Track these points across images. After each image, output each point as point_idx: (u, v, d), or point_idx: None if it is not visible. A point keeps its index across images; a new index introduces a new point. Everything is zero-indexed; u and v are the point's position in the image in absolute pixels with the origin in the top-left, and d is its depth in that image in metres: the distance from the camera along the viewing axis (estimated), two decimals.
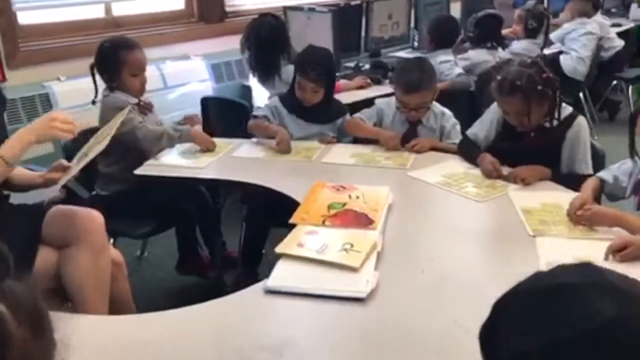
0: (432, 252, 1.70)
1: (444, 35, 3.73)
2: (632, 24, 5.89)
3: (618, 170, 2.00)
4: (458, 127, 2.62)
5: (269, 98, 3.38)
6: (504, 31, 4.28)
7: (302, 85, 2.67)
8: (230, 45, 3.80)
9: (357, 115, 2.73)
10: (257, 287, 1.54)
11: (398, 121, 2.65)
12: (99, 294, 1.92)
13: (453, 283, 1.53)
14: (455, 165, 2.34)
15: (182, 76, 3.73)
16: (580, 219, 1.79)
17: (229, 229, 2.91)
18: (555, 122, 2.19)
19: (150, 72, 3.54)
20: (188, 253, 2.82)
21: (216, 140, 2.73)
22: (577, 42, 4.67)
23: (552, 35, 4.63)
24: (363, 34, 4.34)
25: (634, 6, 6.30)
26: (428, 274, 1.58)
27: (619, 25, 5.64)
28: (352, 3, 4.33)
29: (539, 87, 2.10)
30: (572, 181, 2.11)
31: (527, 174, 2.13)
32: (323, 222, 1.83)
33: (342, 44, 4.06)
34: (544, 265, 1.58)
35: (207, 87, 3.82)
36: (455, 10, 4.88)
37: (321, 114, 2.76)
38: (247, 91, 3.67)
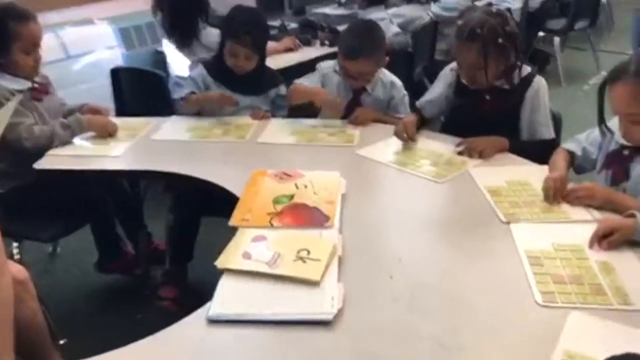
0: (398, 250, 1.47)
1: None
2: None
3: (586, 140, 1.84)
4: (407, 99, 2.40)
5: (190, 65, 3.04)
6: None
7: (234, 52, 2.35)
8: (139, 6, 3.37)
9: (298, 80, 2.43)
10: (197, 317, 1.25)
11: (343, 88, 2.39)
12: None
13: (428, 290, 1.31)
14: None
15: (85, 43, 3.28)
16: (576, 200, 1.62)
17: (155, 218, 2.58)
18: (510, 81, 2.01)
19: (47, 40, 3.09)
20: (108, 249, 2.48)
21: (132, 120, 2.38)
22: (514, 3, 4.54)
23: None
24: None
25: None
26: (398, 279, 1.35)
27: None
28: None
29: (500, 40, 1.92)
30: (535, 149, 1.95)
31: (484, 145, 1.94)
32: (270, 222, 1.56)
33: (264, 2, 3.73)
34: (523, 255, 1.40)
35: (115, 55, 3.39)
36: None
37: (253, 84, 2.45)
38: (161, 58, 3.29)
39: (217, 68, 2.43)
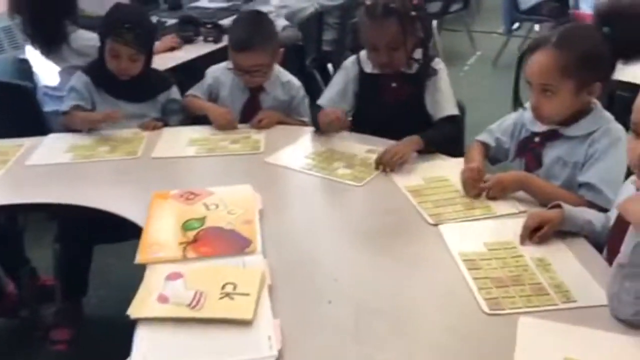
0: (332, 268, 1.35)
1: None
2: None
3: (498, 130, 1.82)
4: (307, 100, 2.27)
5: (60, 73, 2.71)
6: None
7: (116, 53, 2.11)
8: None
9: (189, 93, 2.24)
10: None
11: (237, 89, 2.23)
12: None
13: (373, 313, 1.21)
14: (316, 142, 2.01)
15: None
16: (491, 193, 1.59)
17: (39, 248, 2.28)
18: (415, 65, 1.97)
19: None
20: None
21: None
22: None
23: None
24: None
25: None
26: (338, 303, 1.24)
27: None
28: None
29: (412, 13, 1.88)
30: (444, 132, 1.93)
31: (402, 151, 1.81)
32: (184, 253, 1.38)
33: None
34: (458, 259, 1.34)
35: None
36: None
37: (140, 90, 2.22)
38: (25, 66, 2.91)
39: (98, 74, 2.18)
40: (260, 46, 2.11)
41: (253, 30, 2.13)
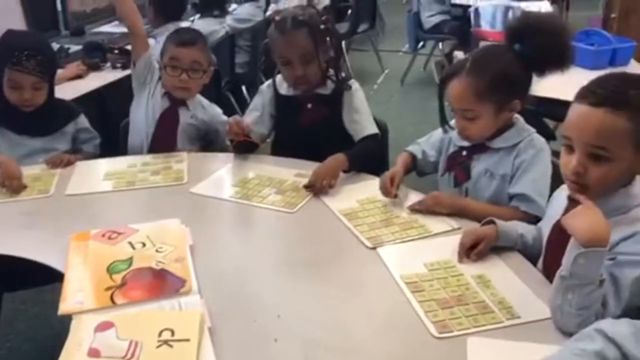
0: (273, 303, 1.29)
1: (170, 4, 3.18)
2: None
3: (426, 144, 1.85)
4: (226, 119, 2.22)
5: None
6: None
7: (17, 83, 1.97)
8: None
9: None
10: None
11: (158, 96, 2.18)
12: None
13: (321, 349, 1.16)
14: (241, 168, 1.94)
15: None
16: (424, 207, 1.61)
17: None
18: (330, 85, 1.99)
19: None
20: None
21: None
22: (292, 2, 4.56)
23: None
24: (59, 8, 3.54)
25: None
26: (284, 340, 1.18)
27: None
28: None
29: (322, 26, 1.90)
30: (366, 149, 1.95)
31: (330, 174, 1.79)
32: (112, 299, 1.27)
33: (33, 24, 3.24)
34: (400, 282, 1.33)
35: None
36: None
37: (44, 122, 2.07)
38: None
39: None
40: (201, 46, 2.13)
41: (196, 33, 2.20)
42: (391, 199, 1.67)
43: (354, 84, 2.03)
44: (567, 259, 1.13)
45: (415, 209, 1.63)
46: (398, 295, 1.31)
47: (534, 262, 1.42)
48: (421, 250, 1.48)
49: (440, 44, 5.18)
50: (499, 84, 1.56)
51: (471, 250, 1.42)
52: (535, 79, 1.60)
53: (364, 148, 1.96)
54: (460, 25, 4.75)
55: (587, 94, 1.21)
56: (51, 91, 2.08)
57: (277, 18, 1.92)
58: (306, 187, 1.76)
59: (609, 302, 1.15)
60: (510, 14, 4.00)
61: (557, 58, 1.54)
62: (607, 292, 1.15)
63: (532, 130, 1.66)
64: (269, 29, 1.96)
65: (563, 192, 1.38)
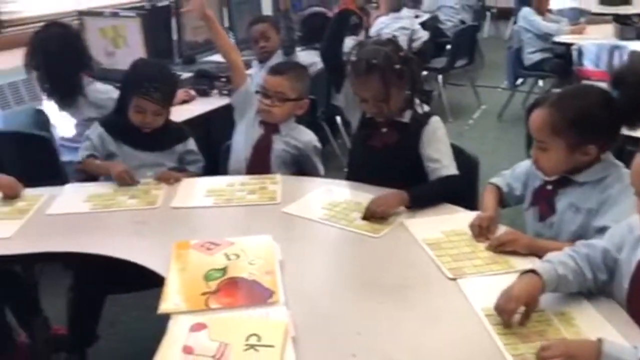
0: (353, 321, 1.35)
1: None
2: (427, 15, 6.16)
3: (511, 176, 1.86)
4: (318, 146, 2.35)
5: (76, 125, 2.77)
6: None
7: (141, 109, 2.17)
8: (14, 61, 3.02)
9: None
10: None
11: (254, 124, 2.32)
12: None
13: None
14: (331, 191, 2.04)
15: None
16: (501, 246, 1.60)
17: (51, 300, 2.27)
18: (410, 114, 2.01)
19: None
20: None
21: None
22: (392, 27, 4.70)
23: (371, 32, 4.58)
24: (175, 38, 3.84)
25: None
26: (362, 357, 1.23)
27: (416, 16, 5.83)
28: (159, 4, 3.80)
29: (397, 66, 1.92)
30: (436, 190, 1.94)
31: (384, 205, 1.82)
32: (206, 304, 1.38)
33: (153, 52, 3.53)
34: (481, 314, 1.34)
35: None
36: (267, 8, 4.58)
37: (157, 141, 2.27)
38: (42, 117, 2.97)
39: (117, 125, 2.24)
40: (290, 77, 2.25)
41: (292, 65, 2.39)
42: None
43: (437, 121, 2.03)
44: None
45: (492, 248, 1.62)
46: (477, 326, 1.32)
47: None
48: (503, 284, 1.46)
49: (540, 81, 5.09)
50: (578, 124, 1.55)
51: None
52: None
53: (435, 189, 1.94)
54: (562, 64, 4.66)
55: None
56: (167, 114, 2.28)
57: (352, 58, 1.96)
58: (365, 215, 1.80)
59: None
60: (616, 55, 3.89)
61: None
62: None
63: (621, 165, 1.62)
64: (347, 66, 2.03)
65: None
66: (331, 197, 1.98)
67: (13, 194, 2.01)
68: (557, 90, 1.68)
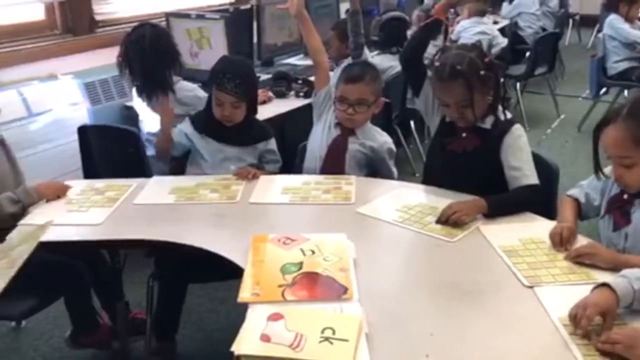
0: (426, 322, 1.36)
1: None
2: (506, 21, 6.03)
3: (589, 187, 1.81)
4: (393, 149, 2.36)
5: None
6: None
7: (220, 101, 2.27)
8: (105, 60, 3.22)
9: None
10: None
11: (330, 126, 2.36)
12: None
13: None
14: (406, 194, 2.05)
15: (49, 100, 3.09)
16: (579, 258, 1.57)
17: (131, 285, 2.40)
18: (491, 120, 1.98)
19: (8, 97, 2.93)
20: (84, 322, 2.26)
21: (111, 182, 2.22)
22: (470, 41, 4.61)
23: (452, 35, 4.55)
24: (255, 40, 3.96)
25: (505, 3, 6.49)
26: (435, 358, 1.24)
27: (495, 22, 5.74)
28: (242, 7, 3.93)
29: (482, 72, 1.90)
30: (516, 200, 1.90)
31: (462, 211, 1.80)
32: (282, 295, 1.43)
33: (235, 52, 3.65)
34: (558, 324, 1.32)
35: (81, 111, 3.21)
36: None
37: (241, 136, 2.36)
38: (131, 113, 3.14)
39: (205, 121, 2.36)
40: (368, 81, 2.27)
41: (363, 69, 2.33)
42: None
43: (519, 129, 2.00)
44: None
45: (571, 259, 1.58)
46: (554, 335, 1.30)
47: None
48: (582, 295, 1.44)
49: (626, 91, 4.88)
50: None
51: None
52: None
53: (516, 198, 1.91)
54: None
55: None
56: (250, 111, 2.36)
57: (436, 63, 1.96)
58: (440, 219, 1.80)
59: None
60: None
61: None
62: None
63: None
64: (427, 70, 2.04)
65: None
66: (406, 199, 1.99)
67: (55, 197, 2.10)
68: (622, 104, 1.62)
